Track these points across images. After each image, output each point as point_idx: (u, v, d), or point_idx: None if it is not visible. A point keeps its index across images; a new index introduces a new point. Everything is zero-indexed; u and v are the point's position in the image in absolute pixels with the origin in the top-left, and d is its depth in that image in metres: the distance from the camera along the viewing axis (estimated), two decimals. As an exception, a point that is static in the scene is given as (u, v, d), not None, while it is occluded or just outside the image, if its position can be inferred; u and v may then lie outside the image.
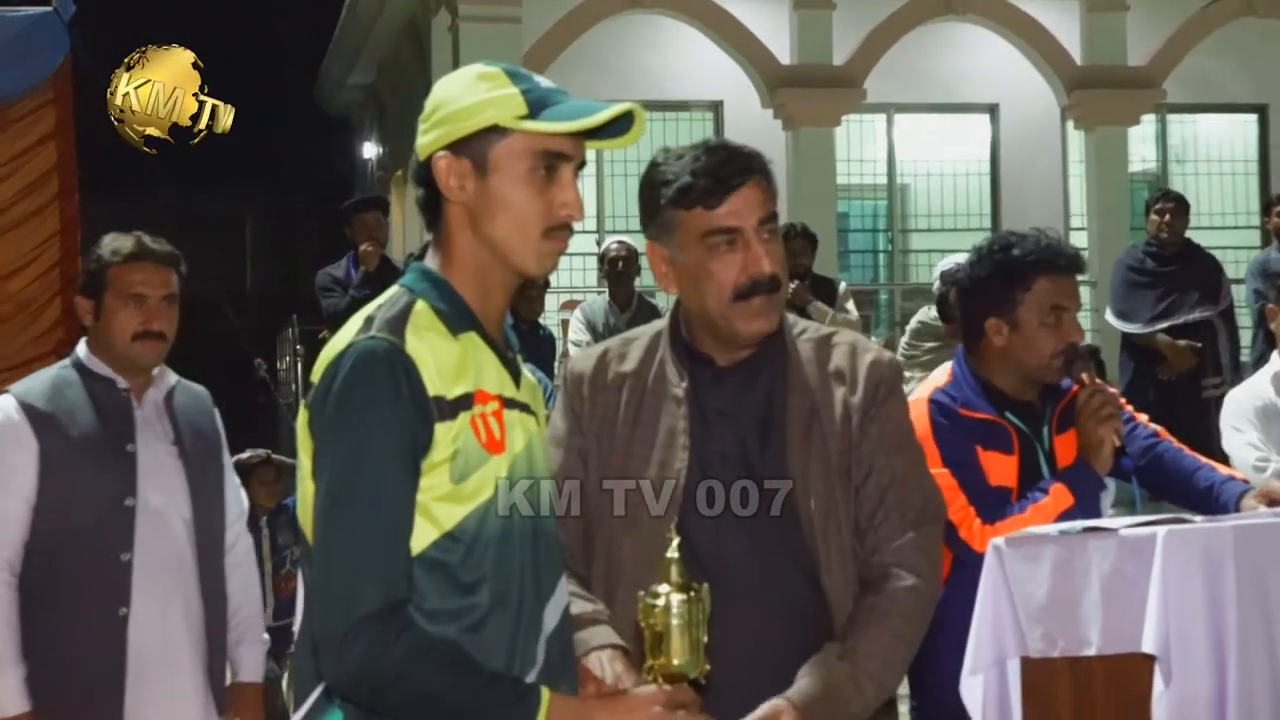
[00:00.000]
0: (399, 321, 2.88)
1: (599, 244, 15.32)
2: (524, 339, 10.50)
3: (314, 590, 2.87)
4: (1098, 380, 4.46)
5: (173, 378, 5.05)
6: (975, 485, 4.34)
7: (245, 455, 8.89)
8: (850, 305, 11.55)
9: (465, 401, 2.88)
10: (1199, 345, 11.21)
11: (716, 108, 18.61)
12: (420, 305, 2.93)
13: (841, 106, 17.88)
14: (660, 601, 2.87)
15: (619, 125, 3.00)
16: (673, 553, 2.90)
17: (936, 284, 11.16)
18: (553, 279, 11.96)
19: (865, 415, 3.56)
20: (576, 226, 3.04)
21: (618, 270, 11.39)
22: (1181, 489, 4.57)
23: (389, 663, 2.74)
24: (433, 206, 3.03)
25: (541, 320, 11.66)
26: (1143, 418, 4.71)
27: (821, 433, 3.53)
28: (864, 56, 17.91)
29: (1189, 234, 11.77)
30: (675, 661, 2.86)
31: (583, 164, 3.04)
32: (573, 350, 10.75)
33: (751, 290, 3.47)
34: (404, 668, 2.74)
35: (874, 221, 19.89)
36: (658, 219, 3.55)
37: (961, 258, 11.87)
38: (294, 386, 16.51)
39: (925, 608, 3.51)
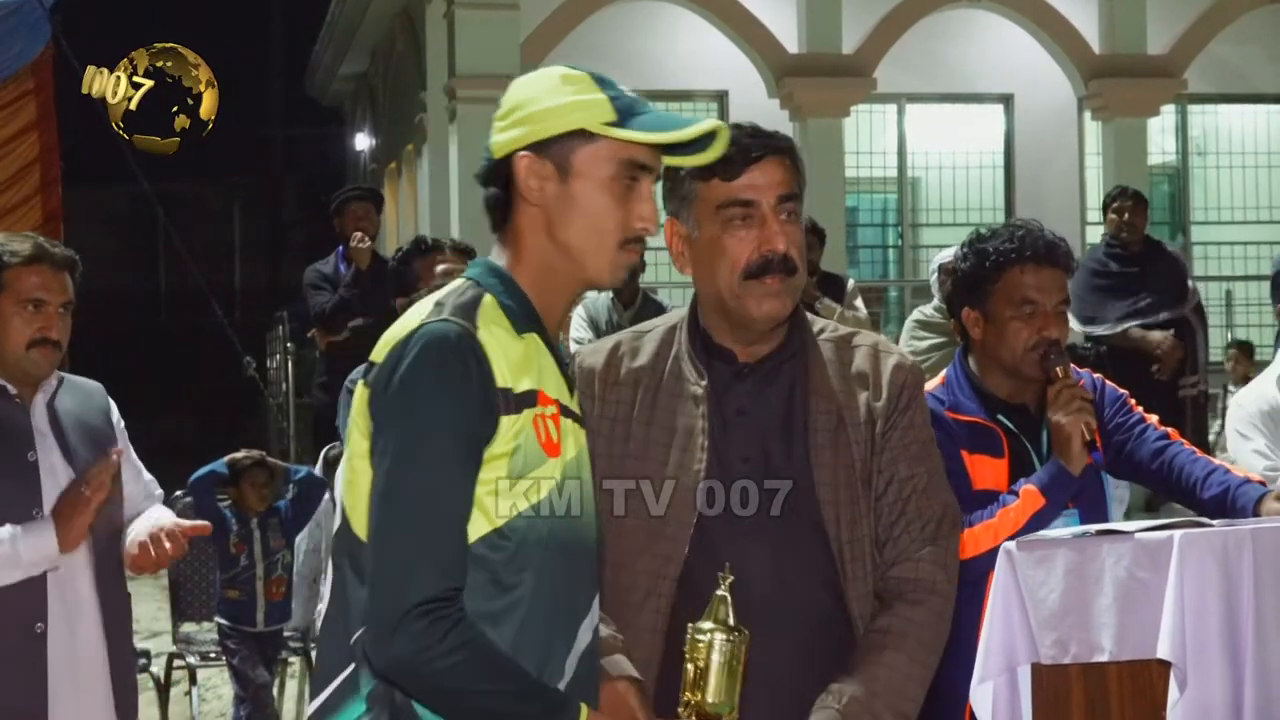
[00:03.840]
0: (470, 309, 2.89)
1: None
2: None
3: (369, 573, 2.83)
4: (1079, 384, 4.39)
5: (54, 379, 4.86)
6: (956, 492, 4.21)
7: (240, 455, 8.63)
8: (859, 303, 11.51)
9: (529, 398, 2.90)
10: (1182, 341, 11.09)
11: (721, 98, 18.53)
12: (488, 299, 2.94)
13: (851, 96, 17.78)
14: (705, 639, 3.01)
15: (700, 142, 3.01)
16: (723, 591, 3.05)
17: (934, 277, 11.36)
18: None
19: (888, 422, 3.56)
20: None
21: None
22: (1196, 492, 4.41)
23: (438, 653, 2.74)
24: (503, 205, 3.02)
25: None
26: (1153, 419, 4.59)
27: (847, 438, 3.52)
28: (874, 45, 17.81)
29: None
30: (710, 700, 3.00)
31: (659, 178, 3.07)
32: (574, 347, 10.40)
33: (763, 269, 3.45)
34: (452, 660, 2.75)
35: (884, 216, 19.91)
36: (678, 191, 3.55)
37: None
38: (284, 385, 16.19)
39: (942, 625, 3.52)
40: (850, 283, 11.62)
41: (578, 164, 2.94)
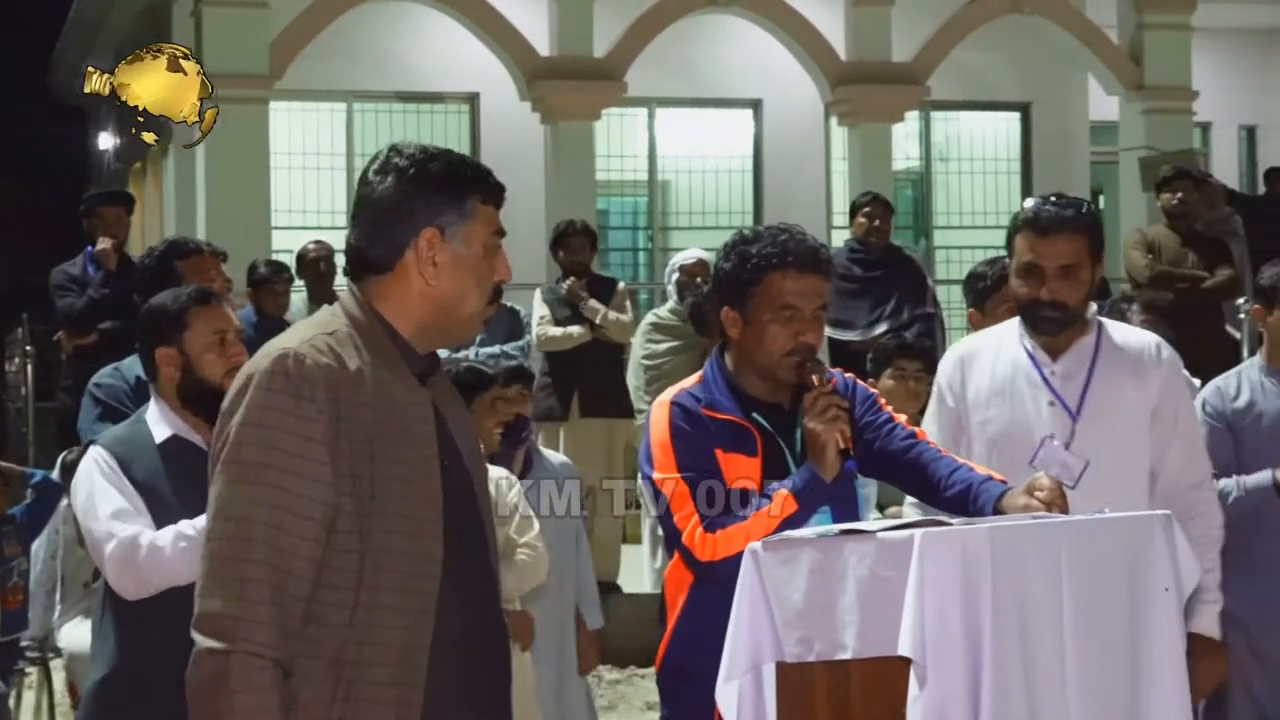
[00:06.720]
0: None
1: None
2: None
3: None
4: (830, 383, 4.46)
5: None
6: (709, 492, 4.40)
7: (-31, 463, 8.34)
8: (627, 304, 11.74)
9: None
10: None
11: (473, 100, 18.49)
12: None
13: (602, 100, 17.71)
14: None
15: None
16: None
17: (672, 278, 11.34)
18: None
19: None
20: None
21: (319, 270, 11.72)
22: (939, 490, 4.49)
23: None
24: None
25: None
26: (902, 418, 4.69)
27: None
28: (625, 48, 17.76)
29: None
30: None
31: None
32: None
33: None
34: None
35: (634, 219, 19.96)
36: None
37: (698, 251, 12.03)
38: (23, 389, 15.73)
39: None
40: (620, 285, 11.85)
41: None
